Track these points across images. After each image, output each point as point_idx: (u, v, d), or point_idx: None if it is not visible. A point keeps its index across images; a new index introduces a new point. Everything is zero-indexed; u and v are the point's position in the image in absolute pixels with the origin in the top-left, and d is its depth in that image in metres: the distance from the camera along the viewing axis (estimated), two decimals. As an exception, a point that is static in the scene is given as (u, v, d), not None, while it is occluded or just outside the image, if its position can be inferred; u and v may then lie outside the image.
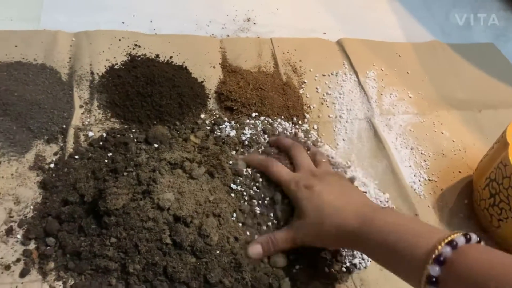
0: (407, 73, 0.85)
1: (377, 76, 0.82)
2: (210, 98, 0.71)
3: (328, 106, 0.75)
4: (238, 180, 0.58)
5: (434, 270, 0.39)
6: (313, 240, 0.53)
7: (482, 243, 0.42)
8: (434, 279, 0.39)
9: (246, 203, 0.56)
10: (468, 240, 0.40)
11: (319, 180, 0.54)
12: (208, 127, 0.66)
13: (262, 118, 0.68)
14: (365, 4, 1.00)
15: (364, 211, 0.49)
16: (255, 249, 0.53)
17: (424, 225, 0.46)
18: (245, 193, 0.57)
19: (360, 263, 0.57)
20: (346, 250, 0.57)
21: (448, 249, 0.39)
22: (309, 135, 0.69)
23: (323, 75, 0.79)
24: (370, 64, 0.84)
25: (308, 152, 0.62)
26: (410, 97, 0.81)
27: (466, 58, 0.91)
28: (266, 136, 0.65)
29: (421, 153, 0.72)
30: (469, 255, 0.39)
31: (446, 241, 0.40)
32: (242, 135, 0.63)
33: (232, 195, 0.57)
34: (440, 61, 0.90)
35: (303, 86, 0.77)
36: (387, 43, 0.90)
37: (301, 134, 0.67)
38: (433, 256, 0.39)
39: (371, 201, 0.53)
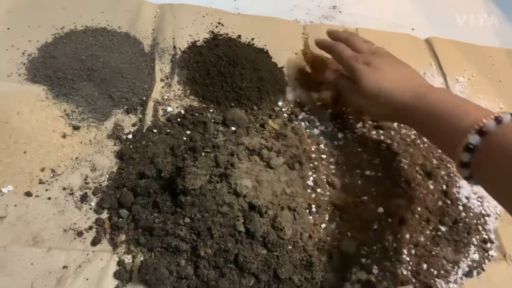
0: (500, 81, 0.78)
1: (466, 81, 0.76)
2: (289, 86, 0.68)
3: (412, 108, 0.70)
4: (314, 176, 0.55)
5: (474, 138, 0.41)
6: (367, 107, 0.57)
7: None
8: (471, 146, 0.41)
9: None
10: None
11: (379, 57, 0.57)
12: (285, 115, 0.63)
13: None
14: (457, 2, 0.93)
15: (418, 88, 0.52)
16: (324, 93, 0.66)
17: (476, 105, 0.46)
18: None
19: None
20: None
21: (492, 123, 0.41)
22: None
23: (409, 74, 0.74)
24: (460, 67, 0.78)
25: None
26: (501, 108, 0.74)
27: None
28: None
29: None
30: None
31: (492, 116, 0.42)
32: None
33: (308, 191, 0.55)
34: (538, 72, 0.82)
35: (387, 83, 0.72)
36: (480, 47, 0.83)
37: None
38: (476, 127, 0.41)
39: (426, 81, 0.55)
